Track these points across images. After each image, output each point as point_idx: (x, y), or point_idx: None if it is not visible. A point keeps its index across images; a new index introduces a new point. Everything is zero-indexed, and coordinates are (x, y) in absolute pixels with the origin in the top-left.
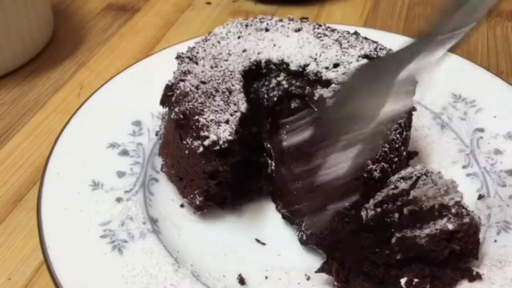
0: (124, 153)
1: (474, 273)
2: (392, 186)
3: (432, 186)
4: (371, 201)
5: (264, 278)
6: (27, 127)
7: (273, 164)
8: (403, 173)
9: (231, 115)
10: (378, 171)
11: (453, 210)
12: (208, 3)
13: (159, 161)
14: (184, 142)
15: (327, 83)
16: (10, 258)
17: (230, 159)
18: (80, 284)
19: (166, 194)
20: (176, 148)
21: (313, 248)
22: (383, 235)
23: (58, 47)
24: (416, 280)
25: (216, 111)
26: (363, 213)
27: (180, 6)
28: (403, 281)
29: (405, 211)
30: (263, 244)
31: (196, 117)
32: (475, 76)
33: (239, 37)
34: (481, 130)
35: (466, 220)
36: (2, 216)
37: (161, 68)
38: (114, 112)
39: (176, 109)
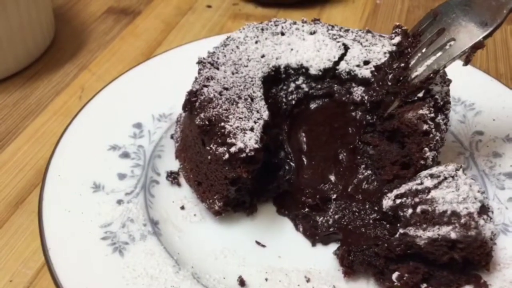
0: (125, 155)
1: (482, 281)
2: (419, 181)
3: (453, 191)
4: (394, 191)
5: (264, 280)
6: (28, 130)
7: (293, 165)
8: (434, 170)
9: (255, 122)
10: (431, 158)
11: (462, 220)
12: (209, 6)
13: (159, 164)
14: (208, 148)
15: (363, 81)
16: (11, 260)
17: (253, 165)
18: (81, 285)
19: (167, 196)
20: (196, 153)
21: (314, 249)
22: (395, 228)
23: (59, 50)
24: (406, 275)
25: (240, 118)
26: (384, 201)
27: (181, 9)
28: (394, 275)
29: (419, 209)
30: (263, 246)
31: (222, 123)
32: (474, 79)
33: (256, 42)
34: (480, 133)
35: (472, 233)
36: (4, 218)
37: (162, 71)
38: (115, 115)
39: (202, 115)
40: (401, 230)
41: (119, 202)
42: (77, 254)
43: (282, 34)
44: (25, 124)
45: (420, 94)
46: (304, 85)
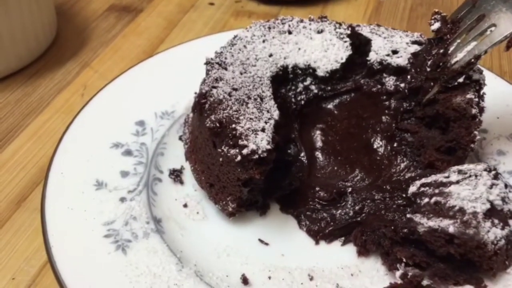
0: (128, 153)
1: (483, 284)
2: (447, 174)
3: (469, 189)
4: (422, 180)
5: (267, 278)
6: (30, 128)
7: (305, 162)
8: (464, 166)
9: (266, 122)
10: (476, 144)
11: (465, 217)
12: (211, 3)
13: (162, 161)
14: (219, 150)
15: (398, 69)
16: (14, 258)
17: (265, 166)
18: (84, 283)
19: (170, 194)
20: (207, 154)
21: (317, 248)
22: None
23: (61, 48)
24: (410, 274)
25: (251, 119)
26: (411, 187)
27: (183, 6)
28: (398, 273)
29: (433, 199)
30: (266, 244)
31: (233, 125)
32: None
33: (264, 41)
34: (484, 131)
35: (470, 231)
36: (6, 216)
37: (164, 69)
38: (117, 112)
39: (212, 117)
40: (408, 215)
41: (122, 199)
42: (80, 252)
43: (290, 32)
44: (27, 122)
45: (460, 80)
46: (313, 87)
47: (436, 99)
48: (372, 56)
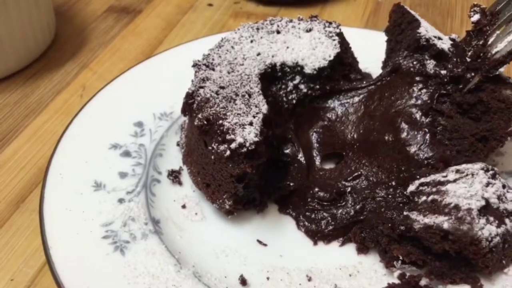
0: (126, 154)
1: (479, 284)
2: (445, 174)
3: (465, 187)
4: (422, 179)
5: (265, 279)
6: (29, 129)
7: (303, 158)
8: (463, 166)
9: (254, 116)
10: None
11: (460, 214)
12: (210, 4)
13: (161, 162)
14: (210, 148)
15: (439, 53)
16: (12, 259)
17: (256, 160)
18: (83, 284)
19: (168, 195)
20: (200, 155)
21: (316, 248)
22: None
23: (60, 49)
24: (408, 274)
25: (238, 114)
26: (410, 186)
27: (182, 7)
28: (396, 274)
29: (430, 198)
30: (265, 245)
31: (220, 121)
32: None
33: (251, 41)
34: None
35: (463, 227)
36: (5, 217)
37: (163, 70)
38: (116, 113)
39: (200, 116)
40: (405, 213)
41: (120, 201)
42: (78, 253)
43: (278, 32)
44: (26, 123)
45: (502, 69)
46: (302, 86)
47: (483, 88)
48: (422, 31)
